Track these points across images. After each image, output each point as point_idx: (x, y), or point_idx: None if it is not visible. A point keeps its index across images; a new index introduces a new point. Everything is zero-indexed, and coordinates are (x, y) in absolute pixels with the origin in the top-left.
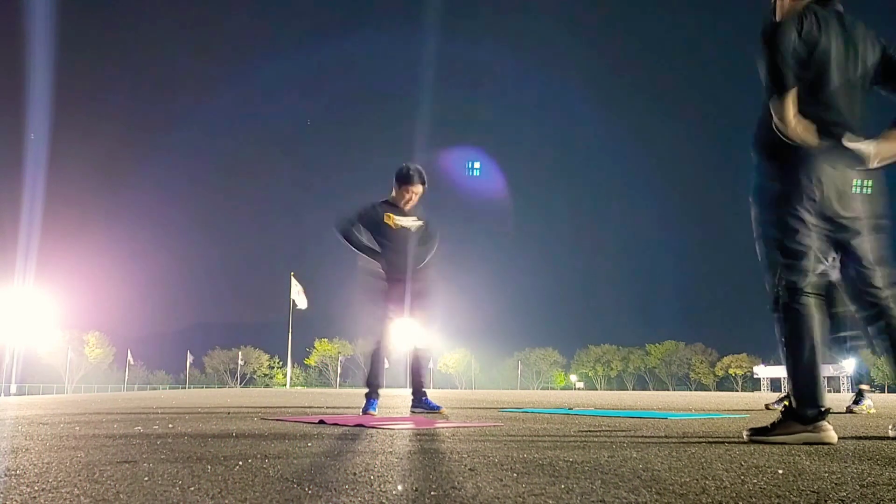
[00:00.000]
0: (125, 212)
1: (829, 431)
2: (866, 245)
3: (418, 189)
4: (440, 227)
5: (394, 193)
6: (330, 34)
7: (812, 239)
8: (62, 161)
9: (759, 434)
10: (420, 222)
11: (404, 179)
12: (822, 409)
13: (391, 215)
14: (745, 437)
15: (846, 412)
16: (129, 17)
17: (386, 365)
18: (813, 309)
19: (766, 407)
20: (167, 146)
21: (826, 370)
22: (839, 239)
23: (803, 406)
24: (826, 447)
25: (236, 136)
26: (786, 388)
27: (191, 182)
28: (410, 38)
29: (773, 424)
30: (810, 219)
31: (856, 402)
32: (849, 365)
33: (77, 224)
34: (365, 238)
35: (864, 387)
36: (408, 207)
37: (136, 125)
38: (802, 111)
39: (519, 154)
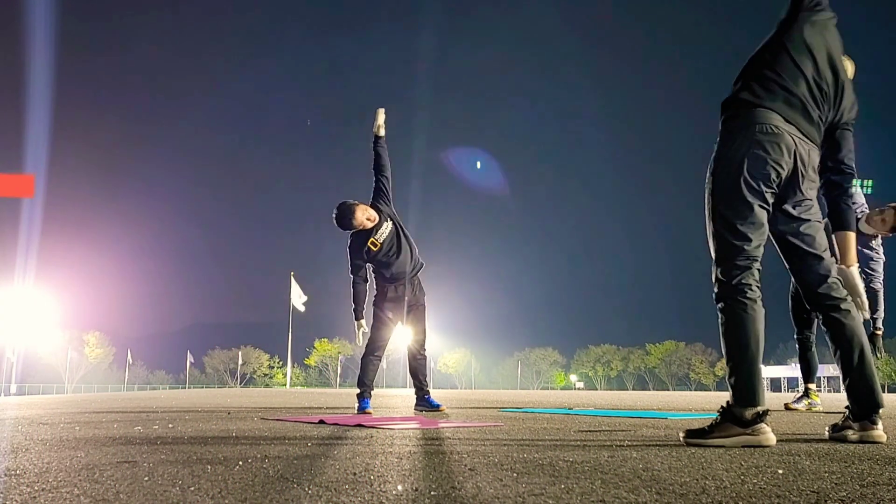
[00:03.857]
0: (125, 212)
1: (768, 434)
2: (812, 230)
3: (359, 215)
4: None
5: (352, 234)
6: (331, 34)
7: (763, 222)
8: (62, 161)
9: (695, 437)
10: (390, 223)
11: (346, 213)
12: (762, 409)
13: (372, 239)
14: (681, 439)
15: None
16: (130, 16)
17: (384, 365)
18: (759, 302)
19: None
20: (167, 146)
21: (827, 370)
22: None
23: (743, 405)
24: (826, 447)
25: (236, 136)
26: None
27: (191, 182)
28: (412, 38)
29: (710, 426)
30: (762, 199)
31: (798, 399)
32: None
33: (77, 224)
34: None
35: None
36: (373, 223)
37: (136, 125)
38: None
39: (519, 154)
